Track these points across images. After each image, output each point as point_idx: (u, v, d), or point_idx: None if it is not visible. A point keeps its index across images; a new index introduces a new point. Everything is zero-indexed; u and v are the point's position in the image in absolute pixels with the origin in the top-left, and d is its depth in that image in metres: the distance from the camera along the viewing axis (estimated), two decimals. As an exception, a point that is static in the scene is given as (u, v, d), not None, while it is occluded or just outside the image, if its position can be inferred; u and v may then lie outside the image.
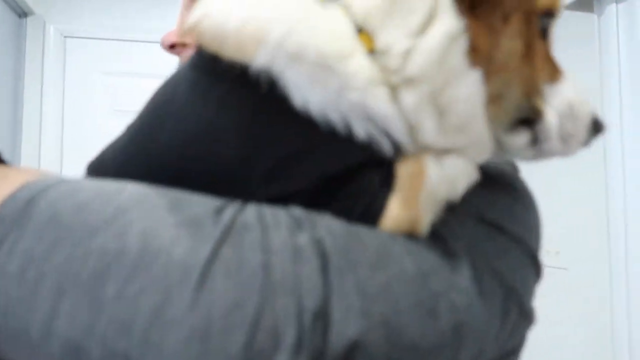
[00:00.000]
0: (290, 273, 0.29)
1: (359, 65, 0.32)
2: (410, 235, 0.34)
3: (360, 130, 0.33)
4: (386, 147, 0.33)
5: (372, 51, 0.33)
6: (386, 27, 0.33)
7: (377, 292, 0.30)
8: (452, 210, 0.37)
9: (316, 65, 0.31)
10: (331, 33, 0.32)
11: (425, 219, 0.34)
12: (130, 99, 2.22)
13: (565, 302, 1.60)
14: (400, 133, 0.33)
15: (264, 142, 0.33)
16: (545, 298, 1.57)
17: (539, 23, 0.39)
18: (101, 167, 0.39)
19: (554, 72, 0.41)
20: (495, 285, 0.36)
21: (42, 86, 2.19)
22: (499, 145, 0.40)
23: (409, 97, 0.33)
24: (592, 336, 1.49)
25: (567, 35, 1.64)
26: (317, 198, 0.33)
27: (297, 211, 0.32)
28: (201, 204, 0.31)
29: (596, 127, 0.43)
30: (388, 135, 0.33)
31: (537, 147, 0.40)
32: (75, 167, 2.45)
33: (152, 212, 0.30)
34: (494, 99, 0.37)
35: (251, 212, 0.31)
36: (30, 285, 0.29)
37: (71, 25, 2.25)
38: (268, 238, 0.30)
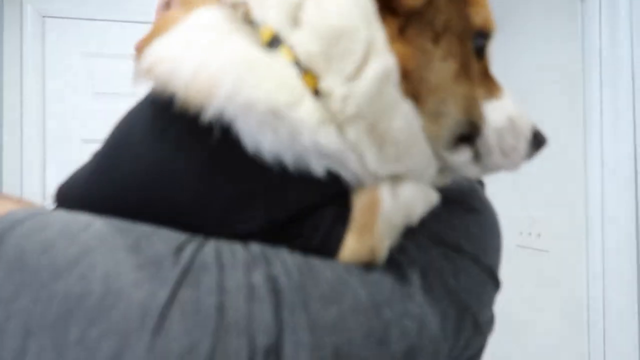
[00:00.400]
0: (243, 313, 0.30)
1: (307, 110, 0.33)
2: (368, 264, 0.35)
3: (318, 167, 0.34)
4: (347, 179, 0.35)
5: (316, 92, 0.34)
6: (327, 72, 0.34)
7: (329, 325, 0.31)
8: (411, 234, 0.38)
9: (267, 114, 0.32)
10: (278, 81, 0.33)
11: (383, 248, 0.35)
12: (111, 80, 2.18)
13: (545, 281, 1.63)
14: (354, 164, 0.35)
15: (217, 186, 0.33)
16: (527, 278, 1.60)
17: (473, 43, 0.40)
18: (69, 193, 0.39)
19: (492, 89, 0.43)
20: (450, 305, 0.37)
21: (21, 68, 2.14)
22: (445, 164, 0.40)
23: (350, 133, 0.34)
24: (569, 313, 1.53)
25: (550, 19, 1.65)
26: (275, 235, 0.34)
27: (254, 247, 0.33)
28: (162, 241, 0.32)
29: (538, 141, 0.44)
30: (344, 168, 0.35)
31: (481, 163, 0.41)
32: (57, 149, 2.38)
33: (115, 253, 0.31)
34: (432, 118, 0.37)
35: (210, 250, 0.32)
36: None
37: (50, 5, 2.20)
38: (224, 278, 0.31)
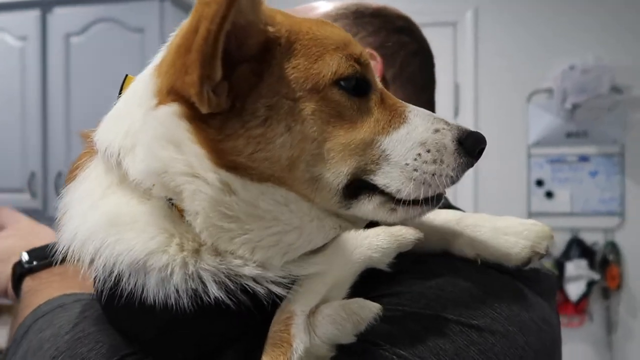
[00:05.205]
0: None
1: (174, 252, 0.37)
2: None
3: (215, 292, 0.37)
4: (257, 292, 0.38)
5: (184, 220, 0.38)
6: (182, 203, 0.38)
7: None
8: (363, 351, 0.38)
9: (133, 268, 0.37)
10: (140, 234, 0.37)
11: None
12: None
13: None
14: (244, 267, 0.38)
15: (130, 332, 0.41)
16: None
17: (340, 88, 0.38)
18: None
19: (393, 118, 0.39)
20: None
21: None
22: (356, 219, 0.41)
23: (223, 245, 0.39)
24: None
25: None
26: None
27: None
28: (109, 351, 0.40)
29: (472, 143, 0.40)
30: (243, 281, 0.39)
31: (398, 206, 0.38)
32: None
33: (75, 356, 0.39)
34: (307, 186, 0.38)
35: None
36: None
37: None
38: None
